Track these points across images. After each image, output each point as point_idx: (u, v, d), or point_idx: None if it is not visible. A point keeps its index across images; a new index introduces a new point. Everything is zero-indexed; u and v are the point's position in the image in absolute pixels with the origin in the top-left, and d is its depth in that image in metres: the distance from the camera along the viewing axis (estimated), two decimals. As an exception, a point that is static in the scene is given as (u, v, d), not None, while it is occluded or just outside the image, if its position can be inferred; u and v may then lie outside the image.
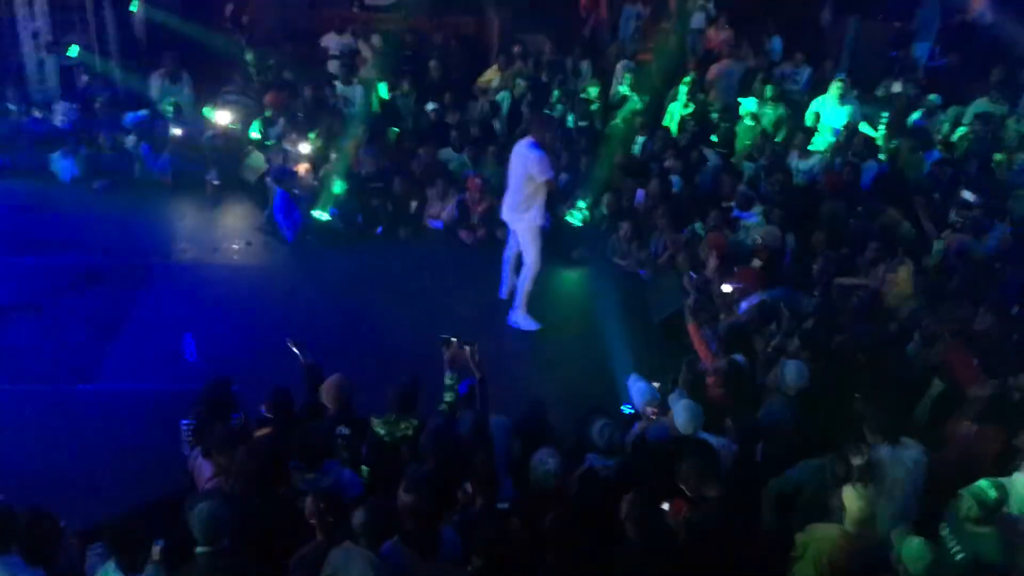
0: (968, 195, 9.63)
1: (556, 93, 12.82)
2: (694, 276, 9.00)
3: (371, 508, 4.48)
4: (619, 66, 13.65)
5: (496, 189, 10.00)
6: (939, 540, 4.98)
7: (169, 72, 12.49)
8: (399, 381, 5.89)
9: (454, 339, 5.96)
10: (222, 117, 11.67)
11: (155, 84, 12.49)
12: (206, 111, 12.06)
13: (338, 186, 10.44)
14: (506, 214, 8.79)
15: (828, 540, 4.89)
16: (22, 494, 5.56)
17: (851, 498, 4.88)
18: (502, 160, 10.88)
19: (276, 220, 10.27)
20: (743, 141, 11.96)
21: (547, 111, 12.16)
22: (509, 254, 9.15)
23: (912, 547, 4.69)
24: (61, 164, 11.23)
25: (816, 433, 5.95)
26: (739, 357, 6.86)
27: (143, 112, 11.81)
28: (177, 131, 11.50)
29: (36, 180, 11.14)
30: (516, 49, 13.84)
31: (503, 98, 12.95)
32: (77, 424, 6.95)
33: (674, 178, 10.55)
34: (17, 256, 9.40)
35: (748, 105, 12.39)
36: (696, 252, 9.21)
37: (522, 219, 8.60)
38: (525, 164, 8.34)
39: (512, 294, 9.04)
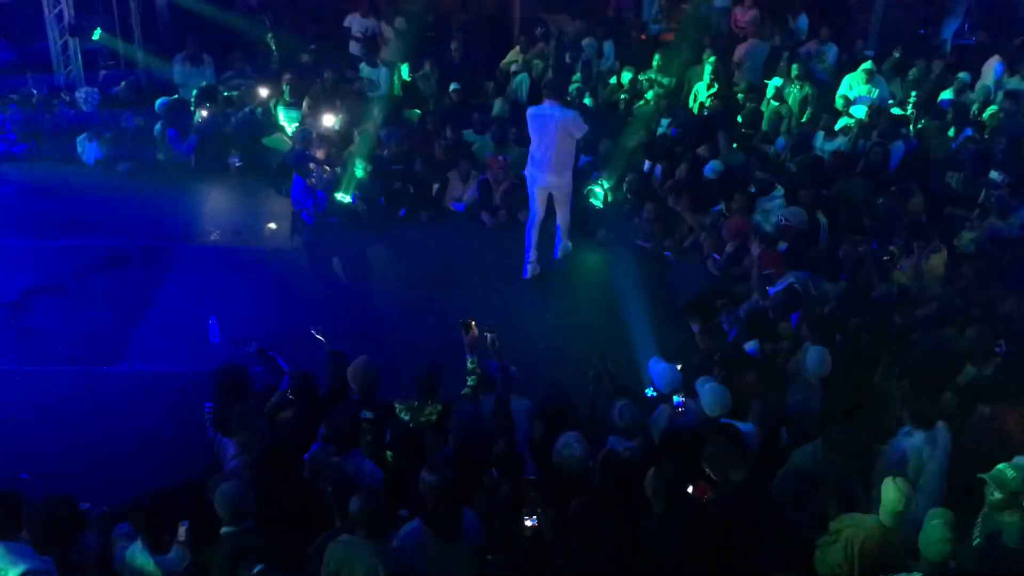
0: (996, 175, 9.50)
1: (577, 75, 12.71)
2: (718, 258, 8.94)
3: (367, 497, 4.48)
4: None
5: (517, 167, 10.12)
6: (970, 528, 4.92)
7: (191, 55, 12.52)
8: (421, 366, 5.90)
9: (474, 321, 5.95)
10: (261, 92, 11.70)
11: (177, 67, 12.53)
12: (225, 94, 12.09)
13: (360, 169, 10.41)
14: (543, 177, 8.87)
15: (863, 529, 4.80)
16: (48, 475, 5.65)
17: (888, 491, 4.77)
18: (523, 142, 10.87)
19: (295, 203, 10.28)
20: (769, 121, 11.84)
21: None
22: (532, 228, 9.18)
23: (928, 530, 4.62)
24: (86, 147, 11.28)
25: (841, 419, 5.89)
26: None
27: (167, 98, 11.84)
28: (204, 112, 11.53)
29: (61, 163, 11.20)
30: (538, 30, 13.76)
31: (521, 80, 12.86)
32: (102, 406, 6.99)
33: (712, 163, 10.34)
34: (42, 239, 9.46)
35: (775, 85, 12.26)
36: (720, 235, 9.15)
37: (563, 178, 8.86)
38: (564, 123, 8.57)
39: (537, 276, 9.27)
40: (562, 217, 9.19)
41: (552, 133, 8.58)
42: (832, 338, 6.75)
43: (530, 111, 8.90)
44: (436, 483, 4.61)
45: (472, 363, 5.92)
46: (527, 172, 9.03)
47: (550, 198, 9.05)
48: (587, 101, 12.17)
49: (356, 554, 4.37)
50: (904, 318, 7.21)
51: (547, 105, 8.67)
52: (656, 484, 4.80)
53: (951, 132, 11.17)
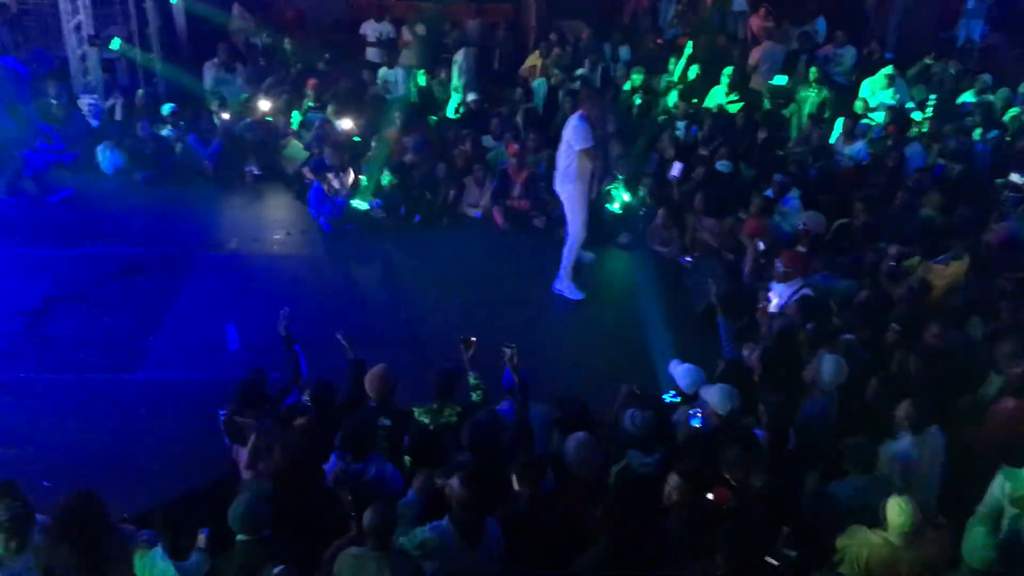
0: (1017, 177, 9.40)
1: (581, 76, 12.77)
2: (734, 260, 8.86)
3: (380, 509, 4.47)
4: None
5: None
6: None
7: (224, 62, 12.63)
8: (439, 369, 5.91)
9: (473, 338, 5.96)
10: (264, 105, 11.76)
11: (209, 74, 12.64)
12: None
13: (385, 177, 10.43)
14: (555, 184, 8.92)
15: (867, 546, 4.74)
16: (68, 483, 5.65)
17: (894, 511, 4.69)
18: (540, 147, 10.87)
19: (312, 210, 10.33)
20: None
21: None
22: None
23: (971, 537, 4.55)
24: (106, 156, 11.35)
25: (855, 427, 5.84)
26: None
27: (171, 106, 11.92)
28: (225, 115, 11.62)
29: (80, 172, 11.27)
30: (552, 36, 13.76)
31: (539, 84, 12.89)
32: (121, 413, 7.01)
33: (722, 163, 10.26)
34: (61, 247, 9.51)
35: (779, 81, 12.25)
36: (737, 239, 9.10)
37: (565, 188, 8.75)
38: (570, 131, 8.54)
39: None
40: (568, 240, 8.99)
41: (563, 139, 8.67)
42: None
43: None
44: (465, 495, 4.60)
45: (475, 378, 5.92)
46: None
47: None
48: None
49: (365, 567, 4.35)
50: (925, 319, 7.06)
51: (573, 115, 8.70)
52: (673, 495, 4.78)
53: (976, 134, 11.07)
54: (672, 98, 12.53)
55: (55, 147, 11.40)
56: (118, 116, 11.99)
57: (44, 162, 11.14)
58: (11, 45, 12.67)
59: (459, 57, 13.07)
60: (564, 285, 9.00)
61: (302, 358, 6.30)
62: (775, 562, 4.63)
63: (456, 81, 12.94)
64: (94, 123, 11.82)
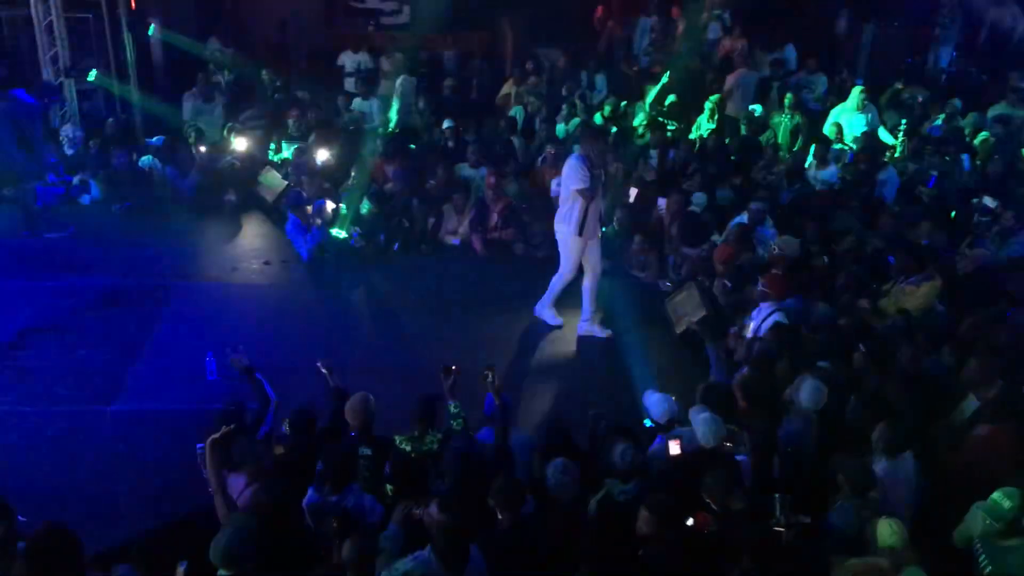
0: (989, 201, 9.54)
1: (564, 107, 12.83)
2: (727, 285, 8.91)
3: (359, 542, 4.45)
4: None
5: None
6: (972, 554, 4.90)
7: (202, 93, 12.63)
8: (419, 397, 5.91)
9: (454, 367, 5.96)
10: (239, 144, 11.75)
11: (188, 104, 12.63)
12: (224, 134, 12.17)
13: (364, 206, 10.46)
14: (555, 225, 8.69)
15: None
16: (44, 517, 5.58)
17: (886, 531, 4.72)
18: (518, 176, 10.94)
19: (290, 240, 10.34)
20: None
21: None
22: (583, 287, 8.90)
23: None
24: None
25: (836, 450, 5.87)
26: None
27: (159, 138, 11.94)
28: (203, 148, 11.62)
29: (57, 203, 11.22)
30: (528, 64, 13.87)
31: (516, 112, 12.98)
32: (98, 445, 6.94)
33: (697, 195, 10.28)
34: (38, 279, 9.45)
35: (756, 111, 12.40)
36: (711, 266, 9.18)
37: (560, 228, 8.55)
38: (565, 172, 8.37)
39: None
40: (557, 274, 8.82)
41: (563, 178, 8.45)
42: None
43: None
44: (445, 521, 4.59)
45: (455, 407, 5.91)
46: None
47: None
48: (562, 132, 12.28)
49: None
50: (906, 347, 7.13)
51: (573, 154, 8.55)
52: (647, 529, 4.79)
53: (947, 158, 11.24)
54: (639, 118, 12.67)
55: (64, 179, 11.41)
56: (92, 148, 11.95)
57: (53, 195, 11.17)
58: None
59: (398, 83, 13.15)
60: (546, 312, 9.00)
61: (266, 384, 6.26)
62: (782, 529, 4.66)
63: (393, 107, 13.03)
64: (70, 153, 11.80)
